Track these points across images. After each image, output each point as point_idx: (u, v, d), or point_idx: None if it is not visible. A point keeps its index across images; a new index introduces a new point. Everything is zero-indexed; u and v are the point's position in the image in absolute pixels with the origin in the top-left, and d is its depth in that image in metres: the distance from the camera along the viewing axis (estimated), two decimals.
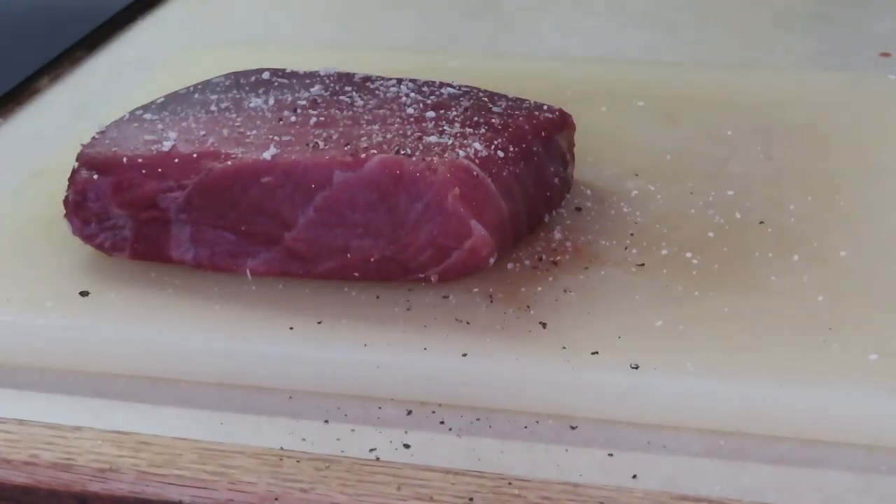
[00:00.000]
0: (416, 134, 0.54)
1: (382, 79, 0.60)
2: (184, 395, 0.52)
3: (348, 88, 0.59)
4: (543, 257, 0.55)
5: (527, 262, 0.55)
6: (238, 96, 0.59)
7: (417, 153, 0.53)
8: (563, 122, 0.58)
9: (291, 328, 0.52)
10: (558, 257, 0.55)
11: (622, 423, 0.49)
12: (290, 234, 0.53)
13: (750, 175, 0.61)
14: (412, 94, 0.58)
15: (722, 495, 0.46)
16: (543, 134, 0.57)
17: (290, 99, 0.58)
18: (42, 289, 0.55)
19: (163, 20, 0.88)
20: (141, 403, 0.51)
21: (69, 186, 0.56)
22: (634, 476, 0.47)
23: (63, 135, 0.69)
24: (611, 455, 0.48)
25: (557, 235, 0.57)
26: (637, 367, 0.49)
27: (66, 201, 0.56)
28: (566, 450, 0.48)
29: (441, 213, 0.52)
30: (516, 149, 0.55)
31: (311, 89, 0.59)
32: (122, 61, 0.82)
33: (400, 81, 0.59)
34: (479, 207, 0.52)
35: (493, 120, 0.56)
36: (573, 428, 0.49)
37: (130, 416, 0.51)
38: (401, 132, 0.54)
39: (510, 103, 0.58)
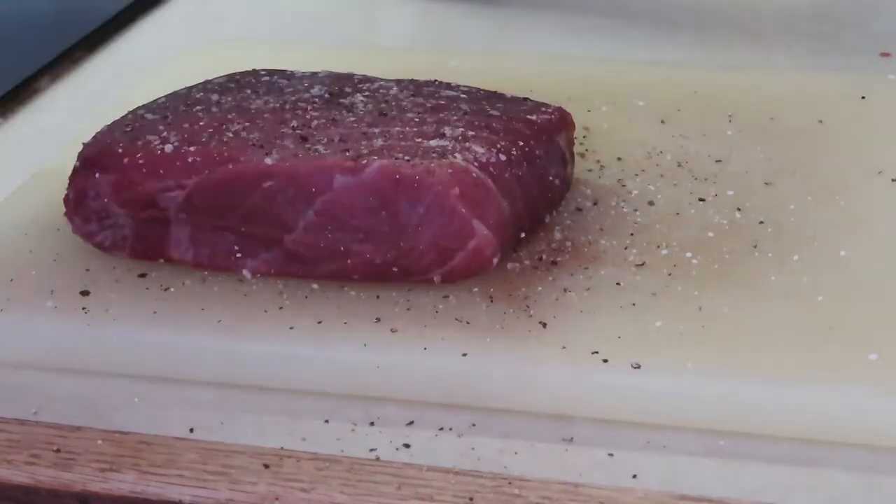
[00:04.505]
0: (416, 138, 0.54)
1: (382, 80, 0.60)
2: (184, 395, 0.52)
3: (348, 90, 0.59)
4: (543, 257, 0.55)
5: (527, 262, 0.55)
6: (239, 97, 0.59)
7: (417, 158, 0.52)
8: (562, 122, 0.58)
9: (291, 328, 0.52)
10: (558, 257, 0.55)
11: (622, 423, 0.49)
12: (290, 236, 0.53)
13: (750, 175, 0.61)
14: (412, 97, 0.58)
15: (722, 495, 0.46)
16: (544, 135, 0.57)
17: (290, 101, 0.58)
18: (42, 289, 0.55)
19: (163, 20, 0.88)
20: (141, 403, 0.51)
21: (70, 185, 0.56)
22: (634, 476, 0.47)
23: (63, 135, 0.69)
24: (611, 455, 0.48)
25: (557, 235, 0.57)
26: (637, 367, 0.49)
27: (66, 199, 0.56)
28: (566, 450, 0.48)
29: (443, 215, 0.52)
30: (517, 151, 0.55)
31: (311, 91, 0.59)
32: (122, 61, 0.82)
33: (399, 83, 0.60)
34: (481, 207, 0.52)
35: (493, 123, 0.56)
36: (573, 428, 0.49)
37: (130, 416, 0.51)
38: (401, 136, 0.54)
39: (510, 104, 0.58)
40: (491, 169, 0.53)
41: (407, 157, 0.53)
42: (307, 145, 0.54)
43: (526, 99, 0.59)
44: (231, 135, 0.55)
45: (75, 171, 0.56)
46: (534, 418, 0.49)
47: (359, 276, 0.53)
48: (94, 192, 0.55)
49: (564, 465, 0.47)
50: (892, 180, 0.61)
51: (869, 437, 0.47)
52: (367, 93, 0.59)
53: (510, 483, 0.46)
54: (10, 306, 0.54)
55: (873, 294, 0.53)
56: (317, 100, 0.58)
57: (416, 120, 0.56)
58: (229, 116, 0.57)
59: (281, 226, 0.53)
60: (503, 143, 0.54)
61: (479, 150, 0.53)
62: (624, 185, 0.61)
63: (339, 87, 0.59)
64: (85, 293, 0.54)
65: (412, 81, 0.60)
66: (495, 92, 0.59)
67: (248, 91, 0.59)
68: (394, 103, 0.58)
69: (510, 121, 0.56)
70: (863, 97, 0.68)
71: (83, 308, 0.54)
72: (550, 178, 0.57)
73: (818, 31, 0.83)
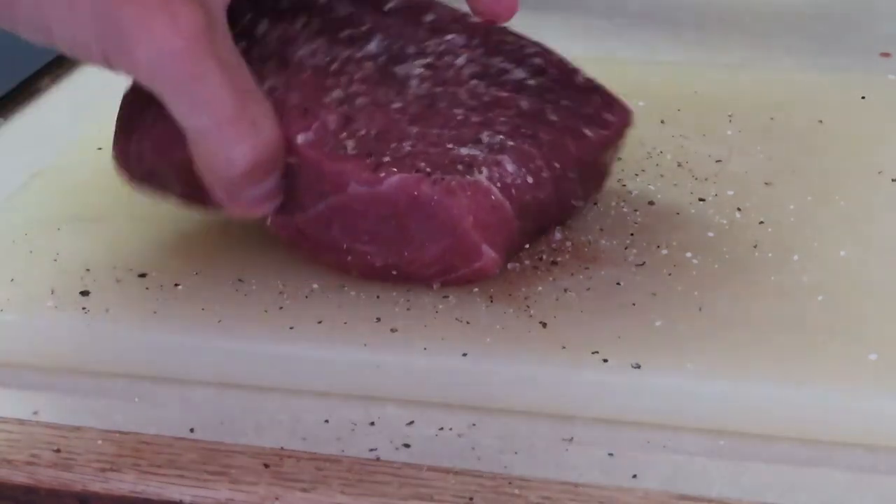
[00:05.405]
0: (449, 143, 0.52)
1: (450, 37, 0.56)
2: (184, 395, 0.52)
3: (410, 51, 0.55)
4: (543, 257, 0.55)
5: (527, 262, 0.55)
6: (286, 34, 0.54)
7: (439, 171, 0.51)
8: (618, 133, 0.56)
9: (291, 328, 0.52)
10: (558, 257, 0.55)
11: (622, 423, 0.49)
12: (302, 215, 0.52)
13: (750, 175, 0.61)
14: (473, 81, 0.55)
15: (722, 495, 0.46)
16: (590, 156, 0.55)
17: (342, 56, 0.54)
18: (42, 289, 0.55)
19: None
20: (141, 403, 0.51)
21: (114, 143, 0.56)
22: (634, 476, 0.47)
23: (63, 135, 0.69)
24: (611, 455, 0.48)
25: (557, 235, 0.57)
26: (637, 367, 0.49)
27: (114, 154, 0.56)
28: (566, 450, 0.48)
29: (453, 237, 0.51)
30: (548, 174, 0.53)
31: (369, 46, 0.55)
32: None
33: (470, 42, 0.55)
34: (492, 231, 0.51)
35: (540, 133, 0.53)
36: (573, 428, 0.49)
37: (130, 416, 0.51)
38: (435, 139, 0.52)
39: (578, 97, 0.55)
40: (513, 191, 0.52)
41: (429, 170, 0.51)
42: (342, 135, 0.52)
43: (598, 88, 0.56)
44: (270, 88, 0.52)
45: (116, 131, 0.55)
46: (534, 418, 0.49)
47: (357, 272, 0.53)
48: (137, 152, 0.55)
49: (564, 465, 0.47)
50: (892, 180, 0.61)
51: (869, 437, 0.47)
52: (430, 59, 0.55)
53: (510, 483, 0.46)
54: (10, 306, 0.54)
55: (873, 294, 0.53)
56: (369, 63, 0.54)
57: (460, 118, 0.53)
58: (270, 67, 0.53)
59: (295, 201, 0.52)
60: (538, 163, 0.53)
61: (509, 167, 0.52)
62: (624, 185, 0.61)
63: (399, 44, 0.55)
64: (85, 293, 0.54)
65: (484, 45, 0.56)
66: (574, 70, 0.56)
67: (299, 24, 0.54)
68: (451, 88, 0.54)
69: (562, 134, 0.54)
70: (863, 97, 0.68)
71: (83, 308, 0.54)
72: (573, 200, 0.55)
73: (818, 31, 0.83)
